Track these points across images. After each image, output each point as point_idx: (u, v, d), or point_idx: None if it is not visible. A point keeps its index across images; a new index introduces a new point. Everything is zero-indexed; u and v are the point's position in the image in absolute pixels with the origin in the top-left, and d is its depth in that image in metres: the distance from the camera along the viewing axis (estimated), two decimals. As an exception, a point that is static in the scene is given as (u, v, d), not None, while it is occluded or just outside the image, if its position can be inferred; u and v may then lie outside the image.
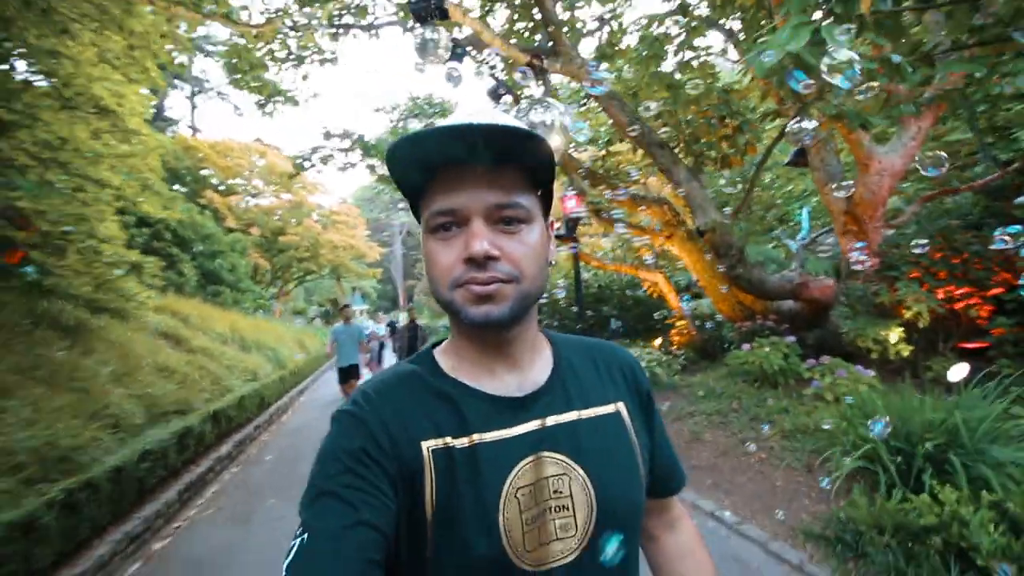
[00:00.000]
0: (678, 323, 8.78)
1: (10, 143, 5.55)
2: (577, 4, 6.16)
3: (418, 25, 5.00)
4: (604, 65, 6.20)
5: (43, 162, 5.60)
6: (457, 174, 0.59)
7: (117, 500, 3.66)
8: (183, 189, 18.50)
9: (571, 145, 7.49)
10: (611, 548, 0.63)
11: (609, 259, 11.29)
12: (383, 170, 9.77)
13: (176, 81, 23.32)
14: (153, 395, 5.21)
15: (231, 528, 3.81)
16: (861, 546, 2.52)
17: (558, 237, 10.27)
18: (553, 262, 0.67)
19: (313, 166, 7.74)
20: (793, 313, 7.26)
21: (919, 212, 6.65)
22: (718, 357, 7.30)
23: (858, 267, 5.99)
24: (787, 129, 5.38)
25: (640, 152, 6.88)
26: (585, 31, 6.31)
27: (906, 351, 4.81)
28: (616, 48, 6.13)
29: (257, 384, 8.37)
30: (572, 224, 7.67)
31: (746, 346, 5.84)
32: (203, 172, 19.66)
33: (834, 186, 7.27)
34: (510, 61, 6.63)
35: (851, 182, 4.91)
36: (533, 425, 0.63)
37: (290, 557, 0.51)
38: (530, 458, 0.61)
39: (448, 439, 0.59)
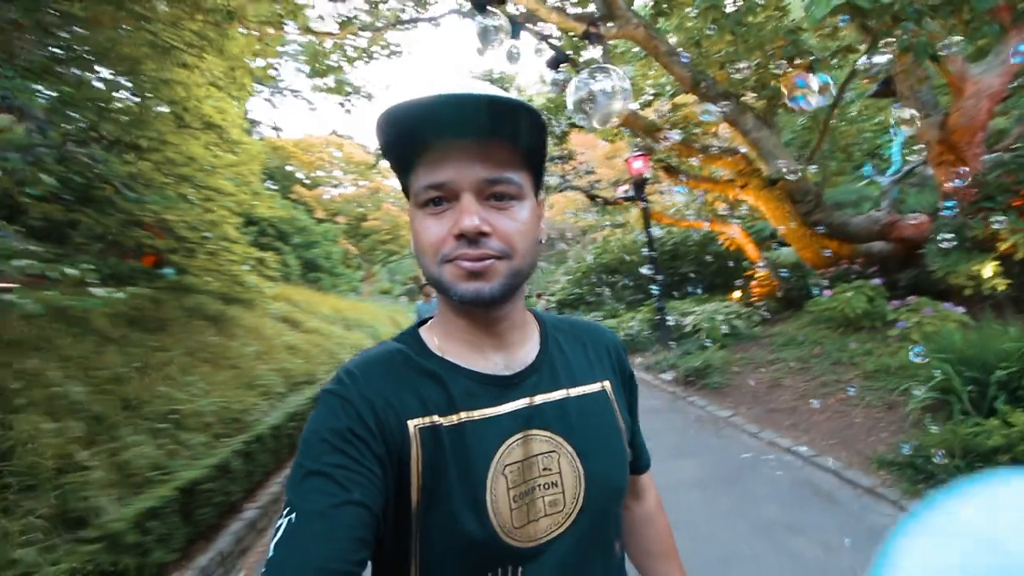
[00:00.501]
0: (758, 275, 8.66)
1: (149, 164, 6.61)
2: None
3: (478, 13, 5.30)
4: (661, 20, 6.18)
5: (177, 179, 6.62)
6: (447, 147, 0.58)
7: (276, 451, 4.53)
8: (274, 186, 20.27)
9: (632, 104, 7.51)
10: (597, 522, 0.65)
11: (684, 215, 11.18)
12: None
13: (256, 85, 25.17)
14: (287, 369, 6.17)
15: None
16: (931, 469, 2.71)
17: (628, 199, 10.32)
18: (543, 240, 0.67)
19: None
20: (884, 255, 6.99)
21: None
22: (802, 306, 7.22)
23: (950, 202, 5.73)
24: (857, 65, 5.23)
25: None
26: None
27: (1002, 285, 4.61)
28: (672, 2, 6.07)
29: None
30: (640, 184, 7.76)
31: (828, 292, 5.80)
32: (288, 168, 21.35)
33: (923, 115, 6.87)
34: (568, 33, 6.77)
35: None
36: (522, 403, 0.63)
37: (277, 536, 0.50)
38: (519, 435, 0.62)
39: (435, 417, 0.59)
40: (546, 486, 0.62)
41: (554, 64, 7.09)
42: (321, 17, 6.75)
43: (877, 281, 5.60)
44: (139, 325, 5.03)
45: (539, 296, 14.40)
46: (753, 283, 8.74)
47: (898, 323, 4.64)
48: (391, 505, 0.56)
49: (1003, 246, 4.64)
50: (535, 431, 0.62)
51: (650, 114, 10.03)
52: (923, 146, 6.59)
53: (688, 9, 5.95)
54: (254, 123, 25.52)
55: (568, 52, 7.48)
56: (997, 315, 4.27)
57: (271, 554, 0.50)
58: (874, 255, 7.11)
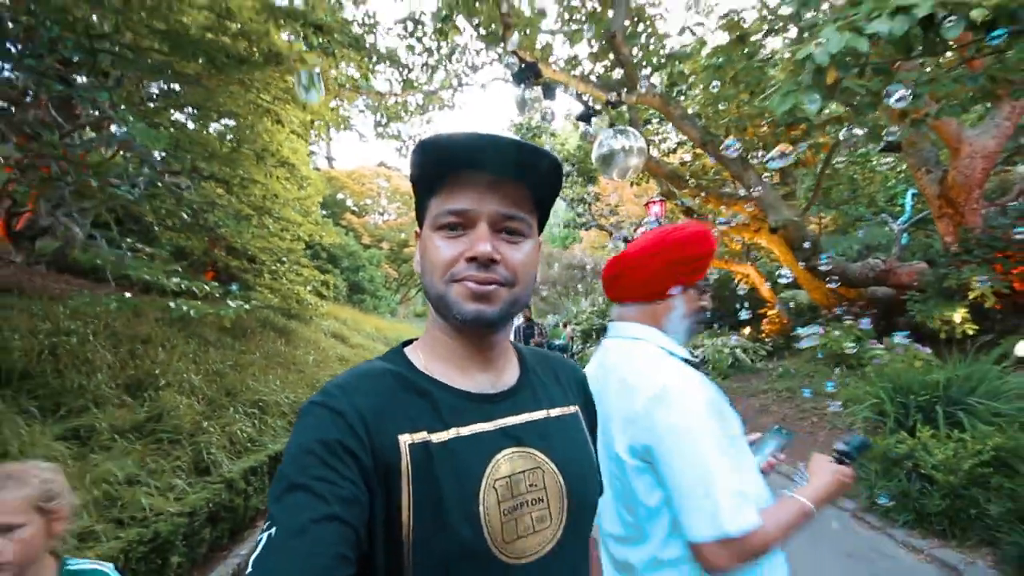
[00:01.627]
0: (770, 312, 9.24)
1: (235, 199, 7.88)
2: (647, 45, 7.14)
3: (520, 85, 6.33)
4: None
5: (259, 211, 7.87)
6: (472, 180, 0.63)
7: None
8: (326, 213, 21.99)
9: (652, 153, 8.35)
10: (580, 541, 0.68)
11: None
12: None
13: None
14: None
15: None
16: (859, 474, 3.39)
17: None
18: (536, 279, 0.71)
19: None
20: (886, 298, 7.52)
21: None
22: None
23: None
24: (841, 136, 6.07)
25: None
26: (656, 65, 7.26)
27: (971, 330, 5.17)
28: (683, 75, 6.98)
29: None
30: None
31: (820, 330, 6.41)
32: (339, 196, 23.08)
33: (924, 171, 7.56)
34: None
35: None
36: (507, 421, 0.66)
37: (256, 552, 0.50)
38: (505, 451, 0.64)
39: (425, 433, 0.60)
40: (533, 502, 0.63)
41: (584, 118, 8.06)
42: (388, 80, 7.99)
43: (865, 322, 6.20)
44: (228, 332, 6.14)
45: (565, 325, 15.15)
46: (765, 320, 9.31)
47: (874, 360, 5.24)
48: (380, 522, 0.56)
49: (972, 295, 5.22)
50: (520, 448, 0.65)
51: (674, 160, 10.89)
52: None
53: (696, 89, 6.83)
54: (312, 154, 27.75)
55: (596, 107, 8.47)
56: (961, 355, 4.85)
57: (250, 570, 0.49)
58: (878, 298, 7.66)
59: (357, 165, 24.35)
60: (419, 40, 7.60)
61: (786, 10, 4.82)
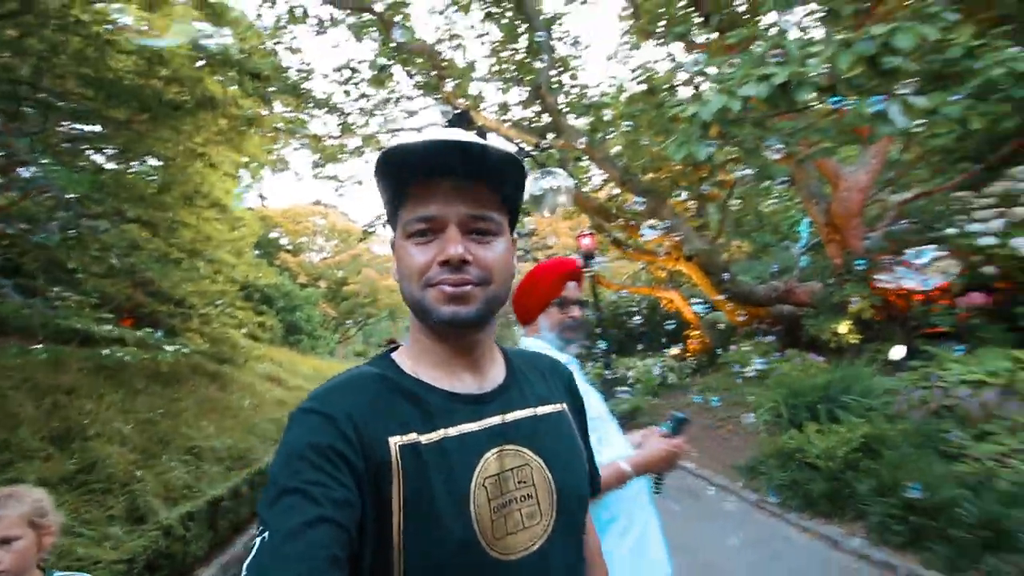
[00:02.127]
0: (693, 333, 9.98)
1: (167, 242, 7.69)
2: (569, 93, 7.84)
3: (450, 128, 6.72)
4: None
5: (190, 254, 7.71)
6: (438, 185, 0.64)
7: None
8: (259, 253, 21.37)
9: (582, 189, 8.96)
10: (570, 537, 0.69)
11: (633, 282, 12.63)
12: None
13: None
14: (278, 419, 7.04)
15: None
16: (758, 469, 3.85)
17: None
18: (515, 274, 0.73)
19: (375, 232, 9.65)
20: (790, 316, 8.39)
21: (903, 212, 7.49)
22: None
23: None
24: (735, 176, 6.88)
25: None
26: (580, 111, 7.97)
27: (854, 339, 5.95)
28: (603, 122, 7.70)
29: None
30: (588, 256, 9.14)
31: (732, 348, 7.08)
32: (273, 235, 22.55)
33: (813, 202, 8.57)
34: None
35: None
36: (495, 420, 0.67)
37: (250, 557, 0.51)
38: (494, 450, 0.65)
39: (414, 435, 0.61)
40: (522, 498, 0.65)
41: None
42: (325, 124, 8.20)
43: (770, 337, 6.92)
44: (157, 380, 5.95)
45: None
46: (690, 340, 10.04)
47: (775, 370, 5.89)
48: (371, 521, 0.57)
49: (853, 309, 6.02)
50: (508, 446, 0.66)
51: (602, 195, 11.67)
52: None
53: (616, 132, 7.55)
54: (243, 192, 27.00)
55: (528, 150, 9.05)
56: (847, 361, 5.56)
57: (244, 574, 0.50)
58: (784, 316, 8.52)
59: (291, 203, 23.97)
60: (355, 86, 7.91)
61: (683, 75, 5.54)
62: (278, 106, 7.91)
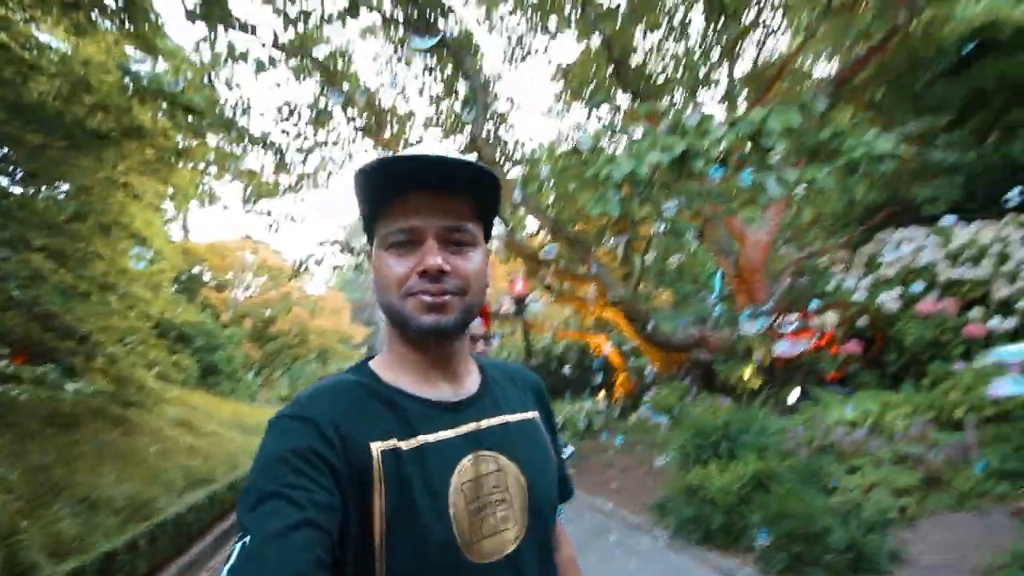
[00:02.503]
0: (620, 377, 10.41)
1: (76, 274, 7.20)
2: (505, 146, 8.31)
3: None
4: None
5: (102, 287, 7.24)
6: (416, 198, 0.66)
7: (175, 538, 5.01)
8: (179, 288, 20.11)
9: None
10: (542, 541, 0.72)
11: (565, 327, 13.05)
12: (367, 264, 11.54)
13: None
14: (188, 467, 6.58)
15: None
16: (668, 507, 4.10)
17: (514, 314, 12.05)
18: (488, 284, 0.75)
19: (308, 270, 9.51)
20: (706, 362, 8.98)
21: (800, 268, 8.28)
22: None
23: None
24: (652, 232, 7.46)
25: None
26: (514, 162, 8.44)
27: (756, 384, 6.50)
28: (536, 176, 8.19)
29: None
30: (520, 301, 9.43)
31: (651, 392, 7.49)
32: (196, 270, 21.39)
33: (723, 255, 9.29)
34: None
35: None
36: (470, 426, 0.69)
37: (231, 561, 0.50)
38: (470, 455, 0.67)
39: (395, 441, 0.63)
40: (496, 502, 0.67)
41: None
42: (260, 161, 8.17)
43: (687, 380, 7.39)
44: (52, 423, 5.46)
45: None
46: (617, 384, 10.43)
47: (691, 413, 6.29)
48: (353, 525, 0.58)
49: (755, 355, 6.60)
50: (483, 452, 0.68)
51: (535, 243, 12.15)
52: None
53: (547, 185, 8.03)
54: (166, 223, 25.53)
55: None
56: (750, 403, 6.04)
57: None
58: (701, 362, 9.10)
59: (218, 237, 22.96)
60: (294, 125, 7.98)
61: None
62: (212, 139, 7.82)
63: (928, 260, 5.36)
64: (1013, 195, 5.04)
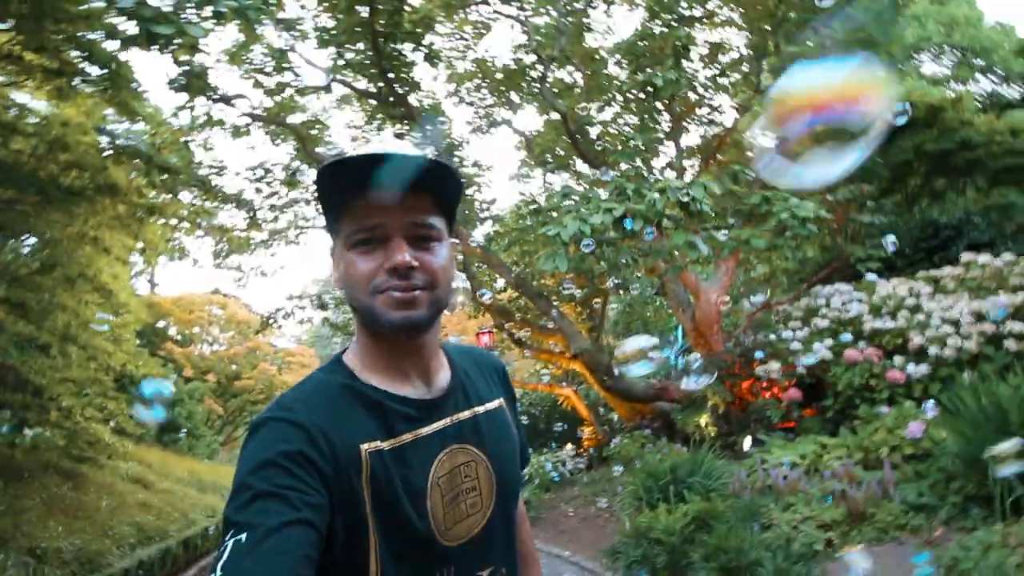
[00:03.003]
0: (586, 429, 10.54)
1: (38, 327, 7.14)
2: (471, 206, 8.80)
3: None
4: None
5: (64, 339, 7.17)
6: (379, 196, 0.66)
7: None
8: (142, 342, 19.57)
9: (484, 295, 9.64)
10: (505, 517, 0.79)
11: (533, 380, 13.22)
12: (335, 318, 11.63)
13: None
14: (140, 523, 6.37)
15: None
16: (621, 551, 4.24)
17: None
18: (455, 278, 0.78)
19: (277, 323, 9.57)
20: (666, 411, 9.23)
21: (751, 325, 8.73)
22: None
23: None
24: (607, 285, 7.89)
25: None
26: (478, 222, 8.91)
27: (713, 431, 6.76)
28: (500, 234, 8.67)
29: (218, 518, 9.28)
30: (488, 354, 9.65)
31: (615, 441, 7.66)
32: (160, 324, 20.95)
33: (681, 309, 9.72)
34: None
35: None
36: (445, 422, 0.74)
37: (224, 558, 0.51)
38: (446, 450, 0.72)
39: (378, 442, 0.66)
40: (468, 491, 0.73)
41: None
42: (231, 217, 8.43)
43: (647, 430, 7.59)
44: (0, 474, 5.32)
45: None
46: (584, 436, 10.54)
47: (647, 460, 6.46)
48: (341, 523, 0.61)
49: (711, 402, 6.90)
50: (457, 445, 0.73)
51: (503, 297, 12.49)
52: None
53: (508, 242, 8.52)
54: (132, 277, 25.10)
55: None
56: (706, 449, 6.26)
57: (219, 574, 0.51)
58: (662, 411, 9.34)
59: (186, 291, 22.68)
60: (267, 185, 8.31)
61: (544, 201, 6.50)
62: (185, 195, 8.06)
63: (855, 312, 5.86)
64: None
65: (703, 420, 6.86)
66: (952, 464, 3.57)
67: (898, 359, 5.09)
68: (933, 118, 11.60)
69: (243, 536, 0.53)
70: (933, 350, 4.74)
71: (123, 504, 6.75)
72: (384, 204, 0.67)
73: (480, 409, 0.80)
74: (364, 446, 0.65)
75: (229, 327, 22.93)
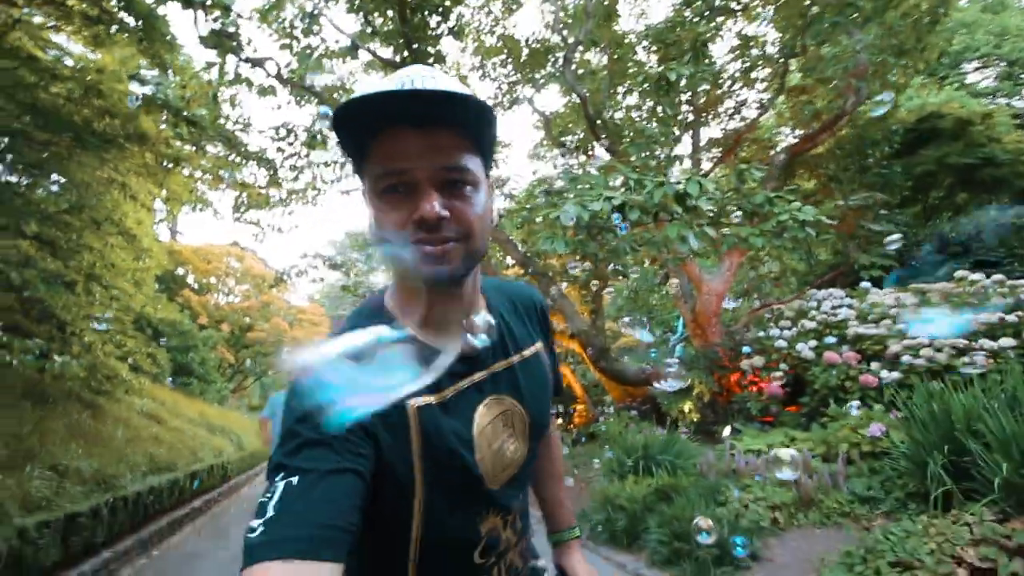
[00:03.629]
0: (579, 407, 10.89)
1: (65, 264, 7.58)
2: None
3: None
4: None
5: (89, 279, 7.62)
6: (403, 137, 0.61)
7: (134, 514, 5.32)
8: (161, 287, 20.25)
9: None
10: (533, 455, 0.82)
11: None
12: (347, 281, 12.00)
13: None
14: (152, 454, 6.87)
15: (204, 545, 5.50)
16: (586, 513, 4.58)
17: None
18: (494, 222, 0.75)
19: (290, 279, 9.96)
20: (656, 395, 9.52)
21: (751, 321, 8.93)
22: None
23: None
24: (607, 270, 8.06)
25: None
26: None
27: (695, 417, 7.05)
28: (510, 211, 8.86)
29: (224, 459, 9.86)
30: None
31: (601, 418, 7.99)
32: (180, 272, 21.61)
33: (683, 300, 9.94)
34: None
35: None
36: (483, 375, 0.75)
37: (275, 499, 0.52)
38: (486, 401, 0.74)
39: (425, 396, 0.67)
40: (507, 437, 0.76)
41: None
42: (253, 173, 8.73)
43: (633, 412, 7.89)
44: (27, 397, 5.79)
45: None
46: (575, 414, 10.91)
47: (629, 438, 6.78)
48: (389, 477, 0.63)
49: (696, 390, 7.17)
50: (496, 395, 0.76)
51: (510, 274, 12.75)
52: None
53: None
54: (156, 223, 25.75)
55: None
56: (687, 434, 6.56)
57: (270, 514, 0.51)
58: (654, 395, 9.63)
59: (206, 242, 23.25)
60: (290, 145, 8.58)
61: (560, 183, 6.69)
62: (210, 148, 8.36)
63: (843, 317, 6.04)
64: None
65: (687, 407, 7.14)
66: (902, 463, 3.81)
67: (875, 364, 5.28)
68: (961, 131, 11.44)
69: (294, 479, 0.54)
70: (907, 358, 4.93)
71: (137, 436, 7.25)
72: (408, 146, 0.62)
73: (516, 359, 0.81)
74: (411, 401, 0.66)
75: (245, 280, 23.56)
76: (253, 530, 0.51)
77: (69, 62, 7.03)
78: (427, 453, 0.66)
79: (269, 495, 0.53)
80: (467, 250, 0.66)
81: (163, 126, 7.22)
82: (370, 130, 0.63)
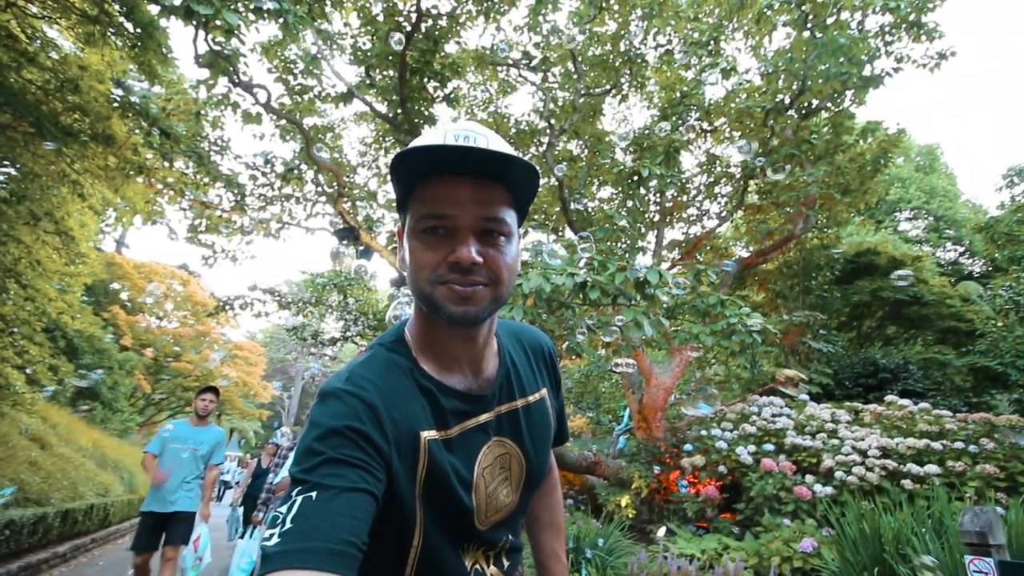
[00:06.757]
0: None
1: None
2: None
3: (340, 241, 7.36)
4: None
5: (7, 273, 6.97)
6: (453, 185, 0.66)
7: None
8: (88, 299, 18.79)
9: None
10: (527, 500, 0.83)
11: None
12: (294, 321, 11.47)
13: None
14: (23, 481, 5.98)
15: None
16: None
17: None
18: (519, 270, 0.81)
19: (233, 309, 9.44)
20: (594, 487, 9.21)
21: (693, 420, 8.92)
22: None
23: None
24: (562, 348, 7.98)
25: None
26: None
27: (631, 513, 6.79)
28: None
29: (108, 499, 8.71)
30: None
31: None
32: (115, 286, 20.25)
33: (631, 391, 9.89)
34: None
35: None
36: (490, 415, 0.77)
37: (293, 511, 0.55)
38: (489, 443, 0.76)
39: (434, 432, 0.70)
40: (502, 480, 0.77)
41: (343, 237, 8.65)
42: (219, 195, 8.48)
43: (571, 502, 7.55)
44: None
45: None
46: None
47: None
48: (393, 502, 0.66)
49: (634, 486, 6.96)
50: (498, 438, 0.77)
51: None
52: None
53: None
54: (101, 233, 24.35)
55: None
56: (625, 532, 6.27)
57: (288, 525, 0.53)
58: (592, 486, 9.32)
59: (152, 258, 22.10)
60: (264, 175, 8.46)
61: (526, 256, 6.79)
62: (179, 164, 8.14)
63: (781, 426, 6.13)
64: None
65: (624, 501, 6.90)
66: (832, 582, 3.72)
67: (809, 477, 5.31)
68: (894, 268, 12.55)
69: (313, 494, 0.56)
70: (839, 474, 4.98)
71: (11, 457, 6.35)
72: (456, 194, 0.67)
73: (521, 403, 0.82)
74: (424, 434, 0.69)
75: (184, 306, 22.26)
76: (269, 539, 0.53)
77: (54, 55, 6.88)
78: (429, 487, 0.69)
79: (287, 507, 0.56)
80: (494, 295, 0.70)
81: (137, 132, 7.01)
82: (424, 174, 0.68)
